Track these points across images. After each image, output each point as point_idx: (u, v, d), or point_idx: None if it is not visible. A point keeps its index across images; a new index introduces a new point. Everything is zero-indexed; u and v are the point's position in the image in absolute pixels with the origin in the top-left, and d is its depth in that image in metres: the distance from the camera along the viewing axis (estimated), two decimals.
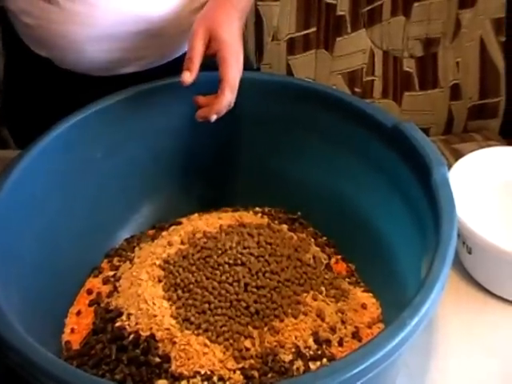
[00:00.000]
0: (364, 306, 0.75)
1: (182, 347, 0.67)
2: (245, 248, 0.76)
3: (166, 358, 0.66)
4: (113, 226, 0.85)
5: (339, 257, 0.83)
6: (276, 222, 0.85)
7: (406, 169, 0.74)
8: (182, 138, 0.87)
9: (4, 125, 1.14)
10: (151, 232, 0.86)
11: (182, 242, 0.78)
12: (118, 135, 0.83)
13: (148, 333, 0.68)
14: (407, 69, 1.46)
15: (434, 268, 0.60)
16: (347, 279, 0.79)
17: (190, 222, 0.84)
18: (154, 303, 0.71)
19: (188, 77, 0.76)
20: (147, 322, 0.69)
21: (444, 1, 1.40)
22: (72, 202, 0.79)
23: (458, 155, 1.00)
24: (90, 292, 0.79)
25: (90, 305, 0.76)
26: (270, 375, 0.65)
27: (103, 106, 0.81)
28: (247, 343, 0.68)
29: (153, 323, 0.69)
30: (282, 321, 0.70)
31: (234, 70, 0.76)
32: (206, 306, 0.70)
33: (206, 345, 0.67)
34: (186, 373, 0.65)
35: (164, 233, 0.83)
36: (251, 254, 0.75)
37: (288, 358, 0.67)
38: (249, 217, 0.85)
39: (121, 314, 0.71)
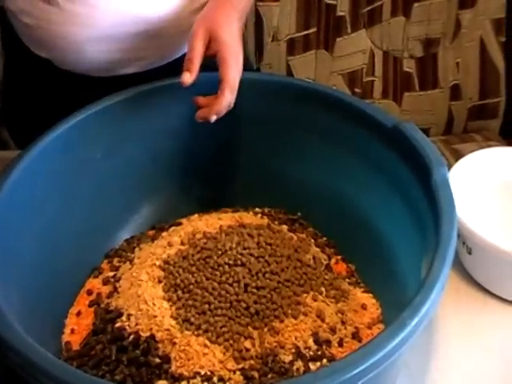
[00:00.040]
0: (364, 307, 0.75)
1: (182, 348, 0.67)
2: (245, 248, 0.76)
3: (166, 359, 0.66)
4: (113, 226, 0.85)
5: (339, 257, 0.82)
6: (276, 222, 0.85)
7: (406, 169, 0.73)
8: (182, 139, 0.87)
9: (4, 125, 1.14)
10: (151, 233, 0.86)
11: (182, 243, 0.78)
12: (118, 136, 0.83)
13: (148, 333, 0.68)
14: (407, 69, 1.46)
15: (434, 268, 0.60)
16: (347, 280, 0.79)
17: (189, 223, 0.84)
18: (154, 304, 0.71)
19: (188, 78, 0.76)
20: (147, 323, 0.69)
21: (444, 1, 1.40)
22: (72, 202, 0.79)
23: (458, 155, 1.00)
24: (89, 292, 0.79)
25: (89, 305, 0.76)
26: (270, 376, 0.65)
27: (103, 107, 0.81)
28: (247, 344, 0.68)
29: (153, 324, 0.69)
30: (281, 321, 0.70)
31: (233, 71, 0.76)
32: (206, 306, 0.70)
33: (206, 345, 0.67)
34: (186, 373, 0.65)
35: (164, 233, 0.83)
36: (251, 255, 0.75)
37: (288, 358, 0.67)
38: (249, 217, 0.85)
39: (121, 315, 0.71)
